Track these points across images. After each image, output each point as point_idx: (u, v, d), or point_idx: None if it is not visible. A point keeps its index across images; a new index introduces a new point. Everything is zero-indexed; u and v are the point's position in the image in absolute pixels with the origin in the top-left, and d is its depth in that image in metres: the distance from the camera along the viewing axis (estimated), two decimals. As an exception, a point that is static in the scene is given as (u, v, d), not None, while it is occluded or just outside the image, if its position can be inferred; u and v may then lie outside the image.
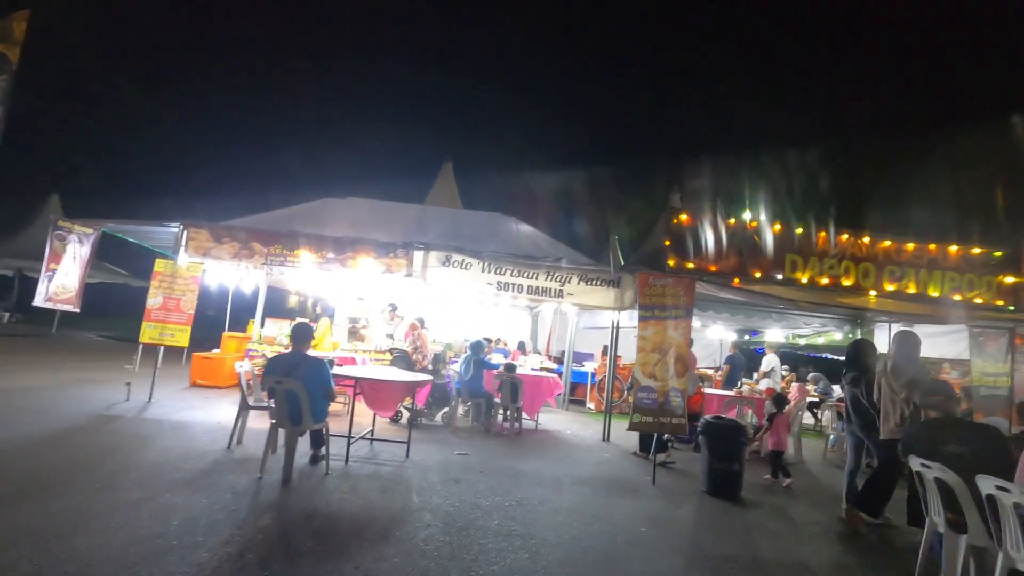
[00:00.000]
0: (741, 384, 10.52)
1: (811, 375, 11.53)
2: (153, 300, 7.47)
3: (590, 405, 11.56)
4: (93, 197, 20.73)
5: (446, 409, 8.21)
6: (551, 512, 4.47)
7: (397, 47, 50.56)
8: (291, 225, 8.37)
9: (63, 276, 7.50)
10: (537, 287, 7.97)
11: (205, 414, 6.99)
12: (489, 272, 7.89)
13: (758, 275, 7.89)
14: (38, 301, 7.16)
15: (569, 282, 8.06)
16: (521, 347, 11.95)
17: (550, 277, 7.98)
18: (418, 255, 7.90)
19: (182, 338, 7.48)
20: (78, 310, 7.76)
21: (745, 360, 11.76)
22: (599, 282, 8.11)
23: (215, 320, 11.23)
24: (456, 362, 9.64)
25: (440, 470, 5.43)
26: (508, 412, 8.21)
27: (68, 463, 4.43)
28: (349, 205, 9.58)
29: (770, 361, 11.31)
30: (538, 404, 8.86)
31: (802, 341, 12.52)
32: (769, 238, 8.02)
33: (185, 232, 7.58)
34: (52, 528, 3.10)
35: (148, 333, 7.55)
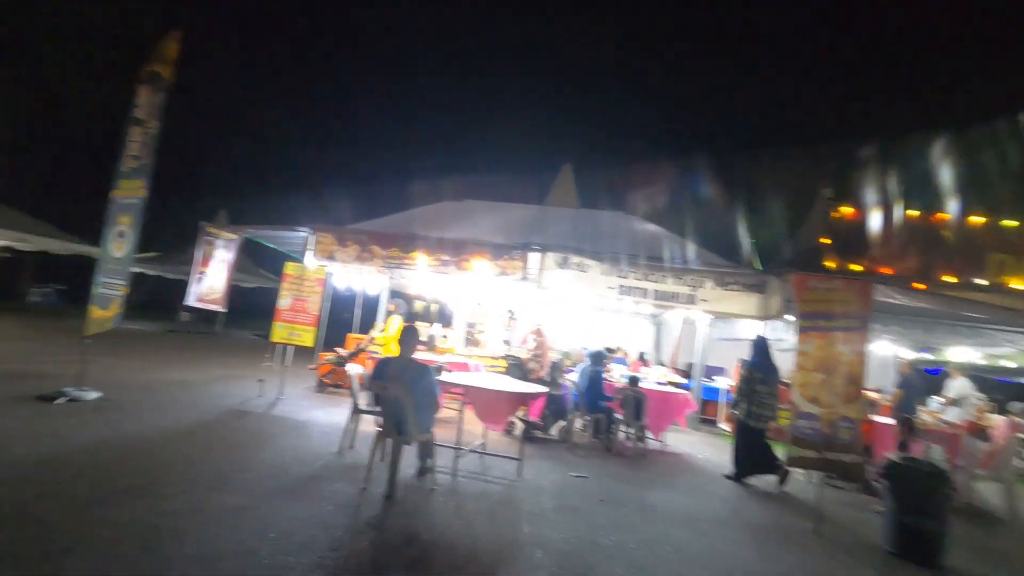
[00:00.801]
0: (918, 412, 8.63)
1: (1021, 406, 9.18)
2: (283, 301, 7.82)
3: (723, 426, 10.28)
4: (243, 207, 23.27)
5: (562, 423, 7.61)
6: (689, 564, 3.67)
7: (513, 48, 51.50)
8: (409, 228, 8.36)
9: (211, 278, 8.13)
10: (665, 292, 7.12)
11: (326, 415, 7.11)
12: (610, 275, 7.19)
13: (949, 279, 6.32)
14: (190, 301, 7.82)
15: (702, 286, 7.10)
16: (642, 358, 11.01)
17: (680, 281, 7.09)
18: (534, 257, 7.44)
19: (307, 338, 7.73)
20: (224, 309, 8.40)
21: (924, 383, 9.72)
22: (739, 286, 7.05)
23: (348, 323, 11.72)
24: (573, 372, 9.02)
25: (554, 494, 4.85)
26: (631, 430, 7.41)
27: (191, 459, 4.54)
28: (466, 208, 9.44)
29: (960, 386, 9.20)
30: (665, 423, 7.93)
31: (1010, 364, 10.10)
32: (965, 234, 6.43)
33: (312, 236, 7.84)
34: (151, 532, 3.01)
35: (278, 333, 7.92)
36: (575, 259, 7.27)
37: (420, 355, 7.05)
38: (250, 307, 23.22)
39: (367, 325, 11.51)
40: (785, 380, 7.10)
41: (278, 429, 6.01)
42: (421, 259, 7.63)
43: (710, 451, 7.88)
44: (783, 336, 10.76)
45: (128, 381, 7.72)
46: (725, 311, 7.11)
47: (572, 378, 7.98)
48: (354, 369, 5.46)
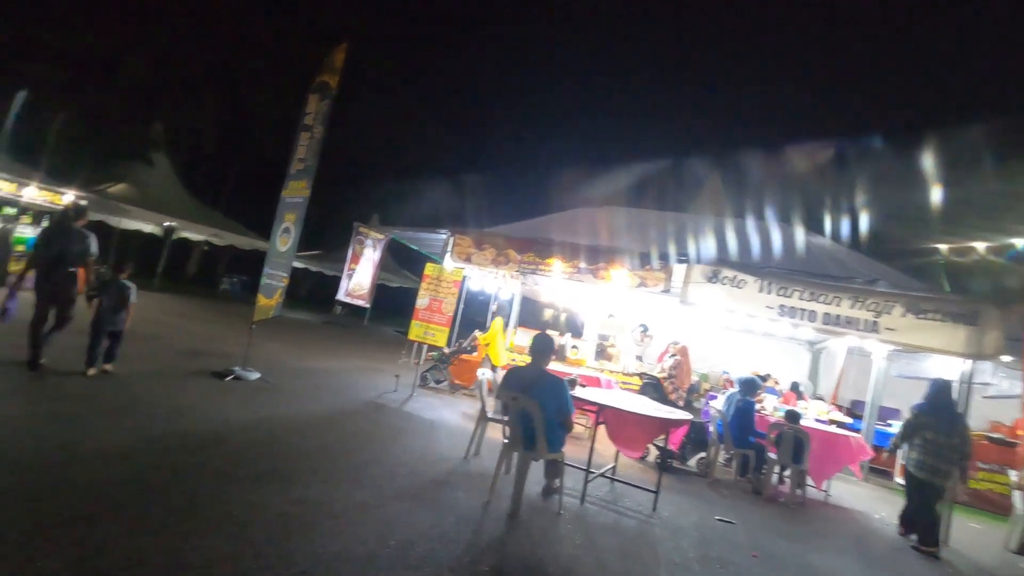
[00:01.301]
0: None
1: None
2: (421, 301, 8.03)
3: (899, 480, 8.59)
4: (395, 211, 24.98)
5: (703, 455, 6.82)
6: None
7: (662, 54, 49.78)
8: (545, 233, 8.16)
9: (360, 275, 8.65)
10: (838, 315, 6.07)
11: (455, 416, 7.12)
12: (769, 292, 6.31)
13: None
14: (340, 296, 8.38)
15: (888, 312, 5.94)
16: (796, 390, 9.64)
17: (860, 304, 5.99)
18: (679, 268, 6.81)
19: (441, 338, 7.85)
20: (368, 305, 8.89)
21: None
22: (940, 315, 5.78)
23: (481, 326, 11.90)
24: (715, 398, 8.13)
25: (696, 538, 4.22)
26: (787, 473, 6.41)
27: (329, 448, 4.68)
28: (606, 213, 9.02)
29: None
30: (830, 469, 6.75)
31: None
32: None
33: (451, 238, 7.97)
34: (278, 522, 3.03)
35: (415, 331, 8.15)
36: (727, 273, 6.50)
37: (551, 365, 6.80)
38: (394, 305, 24.93)
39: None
40: (976, 432, 5.66)
41: (409, 426, 6.09)
42: (557, 266, 7.37)
43: (887, 509, 6.55)
44: (990, 380, 8.75)
45: (286, 365, 8.45)
46: (918, 344, 5.86)
47: (716, 405, 7.14)
48: (484, 374, 5.31)
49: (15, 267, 8.47)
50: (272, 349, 9.62)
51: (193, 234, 17.45)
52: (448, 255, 7.97)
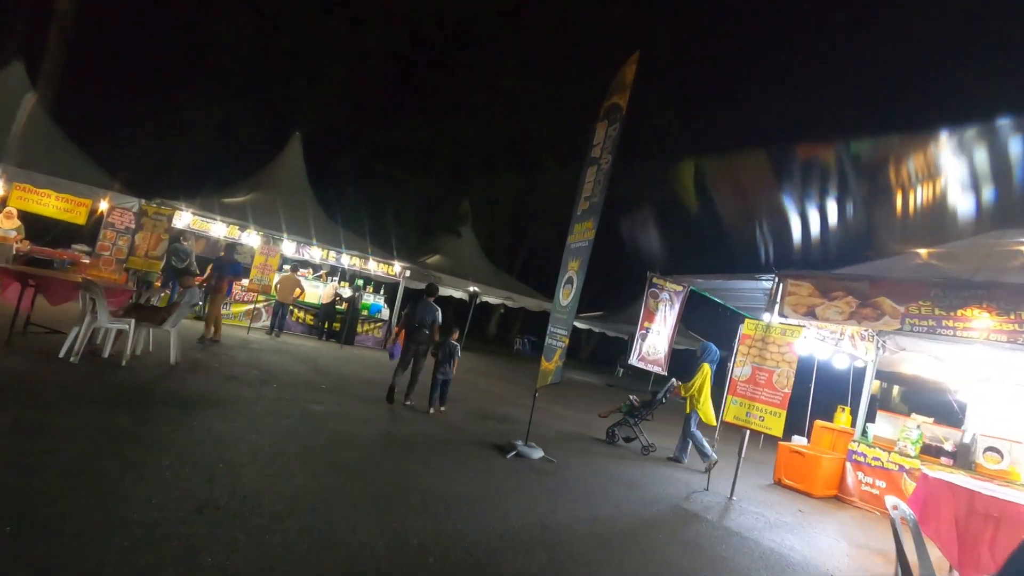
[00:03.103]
0: None
1: None
2: (740, 370, 5.97)
3: None
4: (682, 264, 22.98)
5: None
6: None
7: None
8: (925, 273, 5.32)
9: (655, 336, 7.12)
10: None
11: (804, 544, 4.74)
12: None
13: None
14: (632, 360, 6.97)
15: None
16: None
17: None
18: None
19: (774, 424, 5.59)
20: (665, 372, 7.20)
21: None
22: None
23: (824, 407, 8.94)
24: None
25: None
26: None
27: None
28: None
29: None
30: None
31: None
32: None
33: (781, 284, 5.83)
34: None
35: (733, 411, 6.08)
36: None
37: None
38: (676, 368, 22.58)
39: (822, 409, 8.47)
40: None
41: (735, 557, 4.07)
42: (981, 320, 4.51)
43: None
44: None
45: (570, 437, 7.35)
46: None
47: None
48: (896, 510, 3.03)
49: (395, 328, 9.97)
50: (556, 414, 8.74)
51: (492, 298, 18.85)
52: (776, 307, 5.83)
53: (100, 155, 11.62)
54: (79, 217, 11.03)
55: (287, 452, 4.24)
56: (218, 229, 11.54)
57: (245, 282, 11.23)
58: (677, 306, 7.27)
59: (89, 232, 11.14)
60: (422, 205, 21.45)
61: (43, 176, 9.96)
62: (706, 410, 6.98)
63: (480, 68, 22.25)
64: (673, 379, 7.49)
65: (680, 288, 7.27)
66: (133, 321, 6.03)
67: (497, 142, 22.77)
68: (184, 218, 11.05)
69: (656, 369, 7.11)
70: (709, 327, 18.00)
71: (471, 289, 17.33)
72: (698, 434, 6.85)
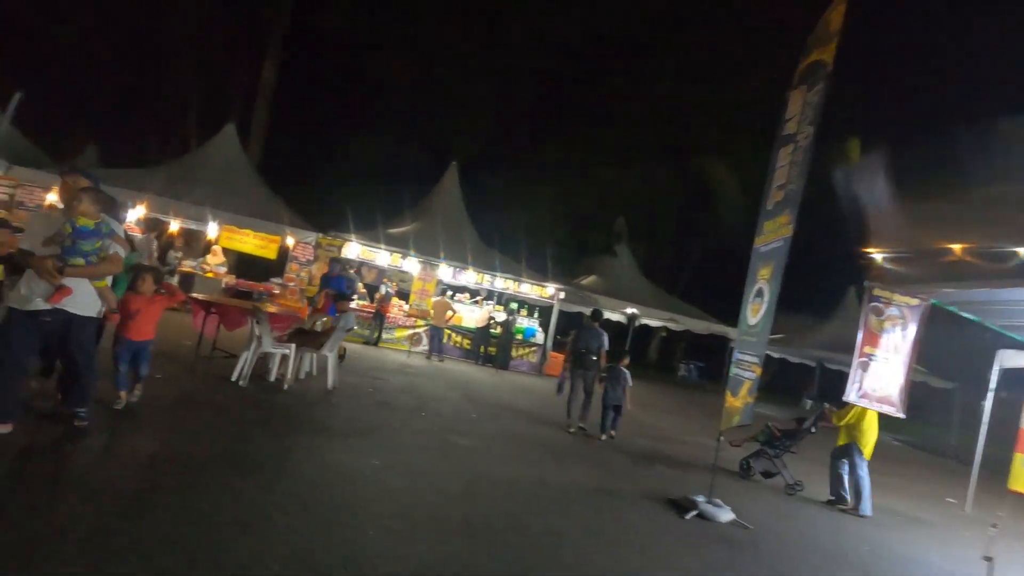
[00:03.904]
0: None
1: None
2: (1037, 417, 4.07)
3: None
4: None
5: None
6: None
7: None
8: None
9: (881, 364, 5.36)
10: None
11: None
12: None
13: None
14: (850, 396, 5.27)
15: None
16: None
17: None
18: None
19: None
20: (903, 415, 5.34)
21: None
22: None
23: None
24: None
25: None
26: None
27: None
28: None
29: None
30: None
31: None
32: None
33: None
34: None
35: (1020, 474, 4.19)
36: None
37: None
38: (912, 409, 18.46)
39: None
40: None
41: None
42: None
43: None
44: None
45: (759, 489, 5.86)
46: None
47: None
48: None
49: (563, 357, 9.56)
50: (724, 454, 7.20)
51: (652, 320, 17.37)
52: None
53: (288, 196, 13.05)
54: (271, 252, 12.40)
55: (419, 501, 3.65)
56: (383, 257, 12.12)
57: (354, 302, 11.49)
58: (913, 326, 5.41)
59: (277, 265, 12.44)
60: (576, 224, 20.84)
61: (245, 217, 11.37)
62: (869, 443, 5.92)
63: (632, 76, 21.19)
64: (825, 404, 6.63)
65: (916, 302, 5.41)
66: (294, 346, 6.16)
67: (653, 153, 21.38)
68: (353, 248, 11.77)
69: (889, 410, 5.28)
70: (935, 348, 14.11)
71: (629, 311, 16.10)
72: (867, 478, 5.75)
